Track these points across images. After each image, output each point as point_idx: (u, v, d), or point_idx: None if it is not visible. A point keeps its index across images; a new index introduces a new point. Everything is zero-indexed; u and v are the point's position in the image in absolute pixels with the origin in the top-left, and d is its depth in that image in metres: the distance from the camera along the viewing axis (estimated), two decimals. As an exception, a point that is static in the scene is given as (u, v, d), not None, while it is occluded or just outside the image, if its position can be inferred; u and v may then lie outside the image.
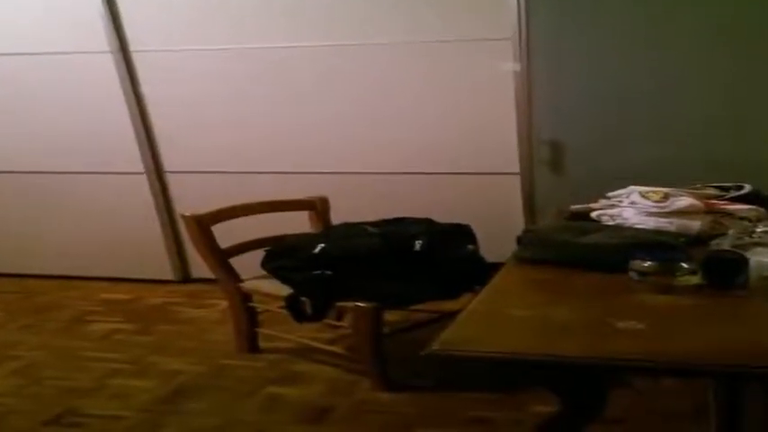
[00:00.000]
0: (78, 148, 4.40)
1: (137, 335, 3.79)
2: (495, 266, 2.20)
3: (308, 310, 2.99)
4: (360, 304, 2.93)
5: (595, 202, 2.54)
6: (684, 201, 2.26)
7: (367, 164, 4.03)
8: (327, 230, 3.47)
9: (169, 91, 4.16)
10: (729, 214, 2.25)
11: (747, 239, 1.99)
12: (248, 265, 3.34)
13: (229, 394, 3.08)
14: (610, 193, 2.51)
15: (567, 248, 2.11)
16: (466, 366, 2.52)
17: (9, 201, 4.63)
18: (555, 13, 3.50)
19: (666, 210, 2.26)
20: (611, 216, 2.39)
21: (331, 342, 3.37)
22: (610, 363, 1.55)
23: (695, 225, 2.21)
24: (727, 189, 2.46)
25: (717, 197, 2.39)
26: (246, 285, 3.31)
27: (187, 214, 3.29)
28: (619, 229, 2.28)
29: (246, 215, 3.41)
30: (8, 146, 4.49)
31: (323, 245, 3.07)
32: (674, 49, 3.40)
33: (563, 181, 3.65)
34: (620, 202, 2.43)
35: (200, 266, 3.89)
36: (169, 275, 4.55)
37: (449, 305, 2.83)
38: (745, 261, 1.81)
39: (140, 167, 4.35)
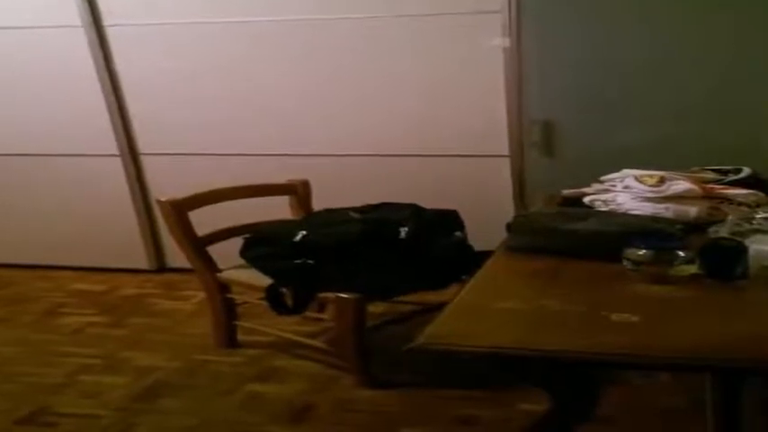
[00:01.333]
0: (47, 128, 4.35)
1: (110, 328, 3.76)
2: (484, 255, 2.18)
3: (289, 301, 2.97)
4: (342, 295, 2.90)
5: (588, 186, 2.52)
6: (681, 185, 2.25)
7: (350, 145, 4.00)
8: (309, 217, 3.45)
9: (145, 68, 4.11)
10: (728, 199, 2.24)
11: (746, 226, 1.98)
12: (226, 254, 3.31)
13: (206, 392, 3.06)
14: (603, 177, 2.50)
15: (559, 236, 2.10)
16: (452, 362, 2.53)
17: (-27, 186, 4.59)
18: (547, -16, 3.48)
19: (662, 195, 2.25)
20: (605, 201, 2.38)
21: (312, 336, 3.34)
22: (603, 357, 1.54)
23: (692, 211, 2.20)
24: (725, 172, 2.45)
25: (715, 181, 2.38)
26: (224, 275, 3.29)
27: (163, 199, 3.26)
28: (612, 215, 2.27)
29: (225, 200, 3.39)
30: (-30, 127, 4.44)
31: (304, 232, 3.04)
32: (671, 25, 3.37)
33: (555, 163, 3.62)
34: (614, 186, 2.42)
35: (176, 255, 3.87)
36: (144, 264, 4.52)
37: (435, 296, 2.82)
38: (744, 249, 1.80)
39: (114, 149, 4.31)
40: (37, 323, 3.88)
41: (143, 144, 4.31)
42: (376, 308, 3.24)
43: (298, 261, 2.97)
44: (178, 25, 3.98)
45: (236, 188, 3.44)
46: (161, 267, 4.54)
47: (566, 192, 2.58)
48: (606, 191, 2.43)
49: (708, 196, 2.26)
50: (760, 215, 2.05)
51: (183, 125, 4.18)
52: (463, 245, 3.13)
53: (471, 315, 1.75)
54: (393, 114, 3.88)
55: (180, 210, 3.24)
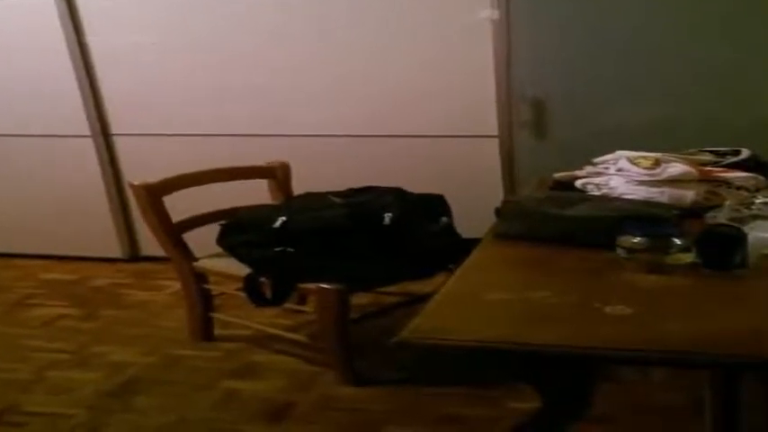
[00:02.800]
0: (13, 106, 4.33)
1: (81, 321, 3.76)
2: (472, 242, 2.17)
3: (268, 292, 2.96)
4: (324, 286, 2.89)
5: (581, 168, 2.51)
6: (677, 168, 2.23)
7: (331, 126, 3.98)
8: (289, 201, 3.45)
9: (118, 42, 4.08)
10: (726, 183, 2.23)
11: (745, 212, 1.97)
12: (203, 242, 3.30)
13: (181, 389, 3.05)
14: (596, 159, 2.48)
15: (550, 222, 2.09)
16: (438, 357, 2.51)
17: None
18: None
19: (657, 178, 2.24)
20: (598, 185, 2.37)
21: (292, 329, 3.35)
22: (596, 353, 1.52)
23: (689, 195, 2.18)
24: (723, 154, 2.43)
25: (712, 164, 2.36)
26: (200, 264, 3.28)
27: (136, 183, 3.24)
28: (605, 199, 2.25)
29: (201, 184, 3.39)
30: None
31: (284, 218, 3.03)
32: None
33: (546, 145, 3.62)
34: (607, 168, 2.40)
35: (150, 243, 3.84)
36: (117, 253, 4.51)
37: (421, 287, 2.82)
38: (743, 237, 1.78)
39: (85, 129, 4.29)
40: (4, 315, 3.88)
41: (116, 124, 4.28)
42: (359, 299, 3.22)
43: (277, 249, 2.97)
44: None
45: (213, 171, 3.43)
46: (134, 256, 4.53)
47: (557, 175, 2.56)
48: (599, 174, 2.41)
49: (705, 179, 2.24)
50: (759, 200, 2.04)
51: (159, 104, 4.17)
52: (450, 231, 3.12)
53: (458, 307, 1.74)
54: (376, 92, 3.86)
55: (154, 194, 3.22)
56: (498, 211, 2.22)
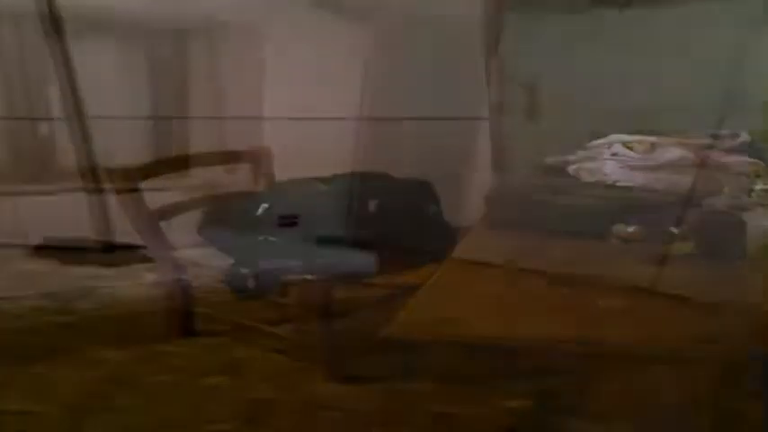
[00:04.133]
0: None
1: (56, 314, 3.73)
2: (461, 231, 2.17)
3: (251, 284, 2.95)
4: (308, 277, 2.87)
5: (573, 153, 2.51)
6: (674, 152, 2.24)
7: (315, 108, 3.96)
8: (271, 188, 3.44)
9: (95, 20, 4.05)
10: (724, 168, 2.22)
11: (745, 199, 1.97)
12: (183, 231, 3.28)
13: (160, 386, 3.03)
14: (590, 144, 2.48)
15: (542, 210, 2.09)
16: (428, 352, 2.51)
17: None
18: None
19: (653, 163, 2.24)
20: (591, 171, 2.36)
21: (275, 323, 3.32)
22: (589, 348, 1.53)
23: (686, 181, 2.18)
24: (721, 138, 2.43)
25: (710, 147, 2.36)
26: (180, 255, 3.25)
27: (112, 167, 3.20)
28: (599, 186, 2.25)
29: (181, 169, 3.37)
30: None
31: (266, 205, 3.02)
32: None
33: (537, 128, 3.60)
34: (601, 153, 2.40)
35: (127, 232, 3.83)
36: (92, 242, 4.48)
37: (409, 278, 2.80)
38: (743, 225, 1.78)
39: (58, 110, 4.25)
40: (-25, 309, 3.86)
41: (91, 105, 4.25)
42: (345, 291, 3.18)
43: (260, 238, 2.95)
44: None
45: (193, 155, 3.42)
46: (111, 245, 4.49)
47: (549, 159, 2.57)
48: (593, 159, 2.41)
49: (703, 164, 2.24)
50: (759, 186, 2.04)
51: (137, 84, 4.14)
52: (439, 220, 3.11)
53: (448, 300, 1.75)
54: (360, 73, 3.84)
55: (131, 180, 3.18)
56: (488, 199, 2.21)
